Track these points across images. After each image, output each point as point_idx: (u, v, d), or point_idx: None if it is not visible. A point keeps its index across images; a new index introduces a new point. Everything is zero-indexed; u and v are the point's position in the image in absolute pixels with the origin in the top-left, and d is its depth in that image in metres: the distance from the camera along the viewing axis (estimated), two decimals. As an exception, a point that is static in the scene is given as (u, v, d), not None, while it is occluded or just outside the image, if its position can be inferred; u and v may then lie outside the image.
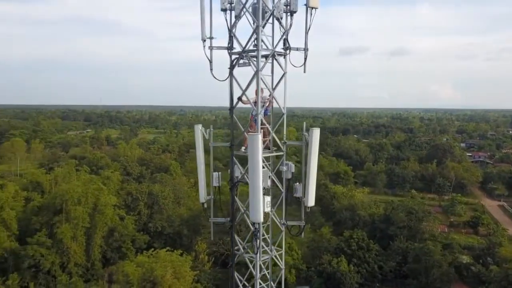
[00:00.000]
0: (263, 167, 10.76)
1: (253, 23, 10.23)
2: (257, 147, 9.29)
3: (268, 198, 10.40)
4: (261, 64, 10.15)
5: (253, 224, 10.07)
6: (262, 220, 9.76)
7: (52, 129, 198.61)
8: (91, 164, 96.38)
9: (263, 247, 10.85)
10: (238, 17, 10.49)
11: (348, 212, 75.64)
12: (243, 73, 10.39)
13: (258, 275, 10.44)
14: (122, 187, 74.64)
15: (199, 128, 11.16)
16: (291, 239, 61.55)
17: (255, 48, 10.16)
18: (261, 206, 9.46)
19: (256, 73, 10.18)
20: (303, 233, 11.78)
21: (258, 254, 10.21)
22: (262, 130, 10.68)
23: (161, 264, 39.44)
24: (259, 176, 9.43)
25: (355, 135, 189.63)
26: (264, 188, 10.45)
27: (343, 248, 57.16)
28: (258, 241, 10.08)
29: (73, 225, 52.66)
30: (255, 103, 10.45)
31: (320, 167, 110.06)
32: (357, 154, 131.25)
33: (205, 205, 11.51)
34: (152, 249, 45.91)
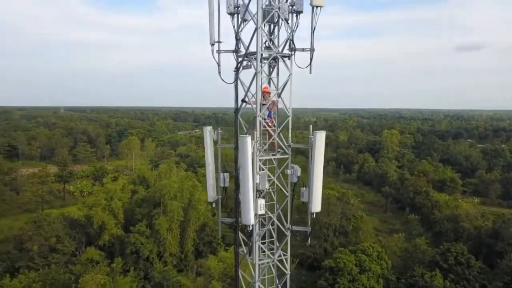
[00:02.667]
0: (262, 169, 10.68)
1: (263, 26, 10.20)
2: (246, 149, 9.28)
3: (262, 201, 10.26)
4: (262, 65, 10.09)
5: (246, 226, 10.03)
6: (253, 222, 9.69)
7: (165, 129, 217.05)
8: (194, 162, 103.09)
9: (264, 251, 10.74)
10: (245, 20, 10.59)
11: (450, 223, 69.64)
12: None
13: (257, 277, 10.37)
14: (218, 185, 78.47)
15: (207, 130, 11.49)
16: (382, 247, 58.85)
17: (263, 50, 10.13)
18: (252, 208, 9.41)
19: (256, 75, 10.16)
20: (309, 240, 11.35)
21: (256, 257, 10.13)
22: (267, 132, 10.59)
23: (241, 261, 40.65)
24: (249, 178, 9.40)
25: (468, 140, 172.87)
26: (262, 191, 10.35)
27: (439, 261, 52.69)
28: (253, 243, 10.01)
29: (169, 218, 56.99)
30: (262, 104, 10.43)
31: (423, 173, 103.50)
32: (467, 161, 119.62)
33: (214, 205, 11.80)
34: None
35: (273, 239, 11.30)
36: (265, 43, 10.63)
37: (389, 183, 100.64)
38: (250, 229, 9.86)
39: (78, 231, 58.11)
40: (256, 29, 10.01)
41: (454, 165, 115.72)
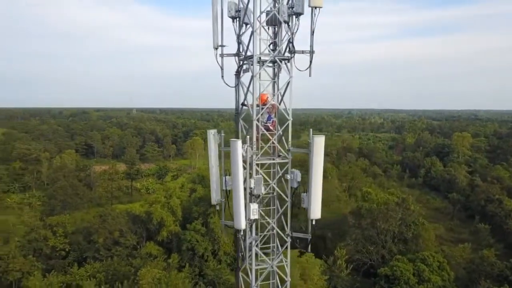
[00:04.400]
0: (258, 174, 10.48)
1: (268, 29, 10.05)
2: (236, 153, 9.18)
3: (255, 206, 10.05)
4: (260, 69, 9.93)
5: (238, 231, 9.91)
6: (244, 227, 9.55)
7: (227, 130, 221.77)
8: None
9: (261, 257, 10.54)
10: (246, 23, 10.45)
11: (526, 235, 63.88)
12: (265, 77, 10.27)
13: (254, 282, 10.20)
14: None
15: (211, 133, 11.52)
16: (445, 257, 55.26)
17: (266, 53, 9.97)
18: (243, 212, 9.27)
19: (252, 79, 10.00)
20: (309, 247, 10.94)
21: (252, 262, 9.96)
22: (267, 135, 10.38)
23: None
24: (239, 182, 9.28)
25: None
26: (258, 196, 10.16)
27: (508, 276, 48.50)
28: (246, 248, 9.85)
29: (224, 217, 58.12)
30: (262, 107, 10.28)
31: (497, 179, 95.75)
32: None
33: (217, 207, 11.79)
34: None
35: (273, 244, 11.13)
36: (269, 46, 10.53)
37: (458, 189, 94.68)
38: (241, 234, 9.82)
39: (139, 226, 61.26)
40: (252, 32, 9.93)
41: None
